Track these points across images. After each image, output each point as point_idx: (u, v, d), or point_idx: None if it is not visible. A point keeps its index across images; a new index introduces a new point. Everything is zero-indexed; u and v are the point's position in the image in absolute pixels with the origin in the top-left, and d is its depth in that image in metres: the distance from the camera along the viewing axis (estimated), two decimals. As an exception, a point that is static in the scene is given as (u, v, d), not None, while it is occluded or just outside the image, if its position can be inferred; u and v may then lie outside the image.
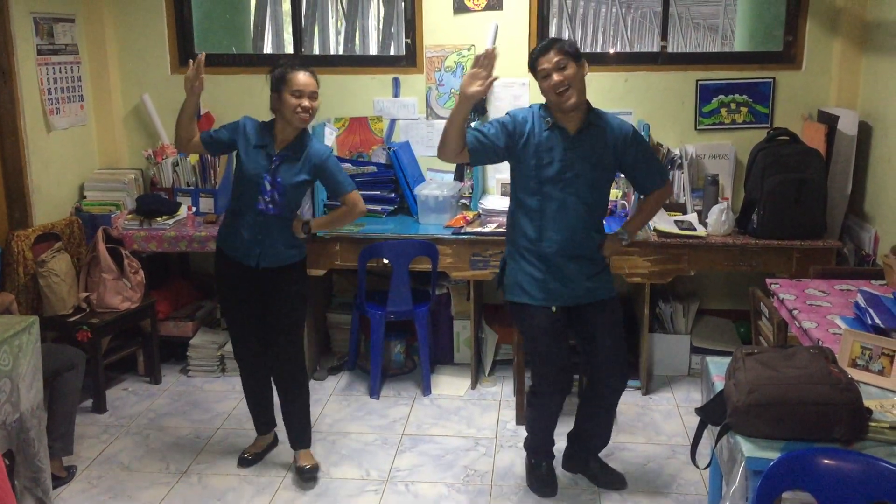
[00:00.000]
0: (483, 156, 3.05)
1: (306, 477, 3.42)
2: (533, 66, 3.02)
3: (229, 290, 3.41)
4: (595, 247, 3.15)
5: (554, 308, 3.11)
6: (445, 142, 2.97)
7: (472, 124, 4.26)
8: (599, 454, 3.42)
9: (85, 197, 4.53)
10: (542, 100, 3.06)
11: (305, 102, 3.17)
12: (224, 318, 3.37)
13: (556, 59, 2.94)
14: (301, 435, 3.50)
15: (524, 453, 3.47)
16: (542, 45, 3.02)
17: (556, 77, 2.93)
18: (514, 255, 3.16)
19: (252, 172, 3.23)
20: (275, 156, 3.24)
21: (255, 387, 3.57)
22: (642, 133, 4.20)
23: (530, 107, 3.14)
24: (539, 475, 3.36)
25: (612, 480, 3.37)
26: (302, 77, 3.17)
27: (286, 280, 3.35)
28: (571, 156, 3.01)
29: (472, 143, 3.00)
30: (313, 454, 3.53)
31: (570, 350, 3.21)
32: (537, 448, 3.37)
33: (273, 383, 3.53)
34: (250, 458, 3.57)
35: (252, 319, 3.42)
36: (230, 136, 3.30)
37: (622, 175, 3.38)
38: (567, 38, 3.12)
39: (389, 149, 4.47)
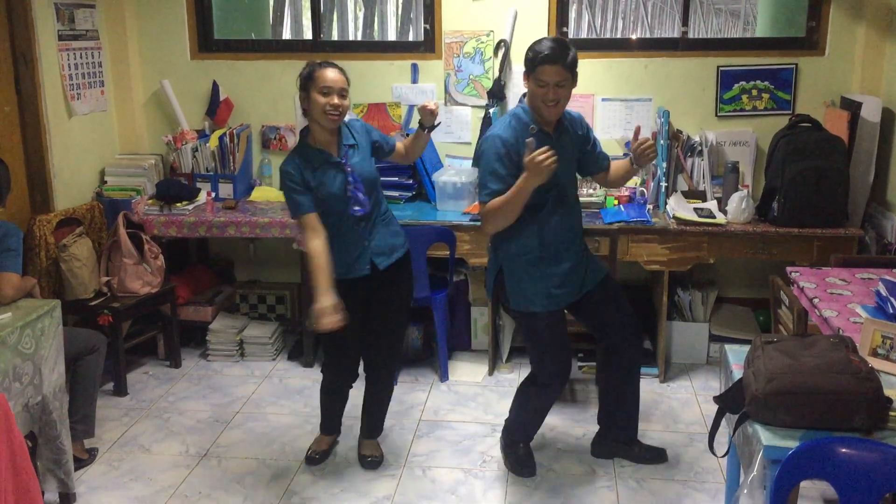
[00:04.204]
0: None
1: (369, 465, 3.45)
2: (532, 67, 2.92)
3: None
4: (581, 237, 3.25)
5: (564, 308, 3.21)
6: (503, 221, 3.02)
7: (491, 110, 4.24)
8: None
9: (106, 182, 4.56)
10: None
11: (335, 100, 2.98)
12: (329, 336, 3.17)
13: (560, 77, 2.88)
14: (379, 424, 3.55)
15: (538, 440, 3.46)
16: (550, 53, 2.87)
17: (552, 94, 2.90)
18: (512, 266, 3.15)
19: (337, 190, 3.07)
20: (341, 156, 3.09)
21: (344, 389, 3.50)
22: (661, 119, 4.19)
23: (513, 112, 3.09)
24: (518, 456, 3.41)
25: (656, 455, 3.44)
26: (331, 73, 3.00)
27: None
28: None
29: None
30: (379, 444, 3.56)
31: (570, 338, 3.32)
32: (527, 433, 3.43)
33: (365, 375, 3.45)
34: (318, 458, 3.50)
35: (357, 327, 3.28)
36: (304, 188, 3.05)
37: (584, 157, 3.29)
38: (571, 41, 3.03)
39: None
